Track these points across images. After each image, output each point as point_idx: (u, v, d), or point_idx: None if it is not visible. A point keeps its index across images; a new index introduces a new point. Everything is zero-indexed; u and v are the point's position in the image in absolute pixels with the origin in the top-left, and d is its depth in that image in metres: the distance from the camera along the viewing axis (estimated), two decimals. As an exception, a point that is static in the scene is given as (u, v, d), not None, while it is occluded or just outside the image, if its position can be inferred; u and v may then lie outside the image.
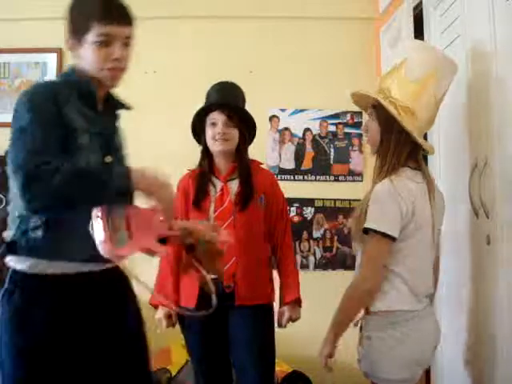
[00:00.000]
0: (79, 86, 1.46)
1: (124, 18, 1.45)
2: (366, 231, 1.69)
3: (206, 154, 2.20)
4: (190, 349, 2.23)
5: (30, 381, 1.35)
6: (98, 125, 1.47)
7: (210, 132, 2.15)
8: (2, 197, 3.24)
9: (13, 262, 1.40)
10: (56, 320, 1.37)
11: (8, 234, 1.42)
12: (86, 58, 1.44)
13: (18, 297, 1.37)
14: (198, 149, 2.23)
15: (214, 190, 2.16)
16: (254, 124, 2.21)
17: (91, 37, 1.41)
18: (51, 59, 3.42)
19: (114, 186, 1.29)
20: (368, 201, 1.71)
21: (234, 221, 2.10)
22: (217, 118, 2.13)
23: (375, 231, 1.66)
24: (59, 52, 3.39)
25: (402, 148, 1.73)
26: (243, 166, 2.18)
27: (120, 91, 1.58)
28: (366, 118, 1.88)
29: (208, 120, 2.16)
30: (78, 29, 1.43)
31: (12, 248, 1.39)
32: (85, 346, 1.40)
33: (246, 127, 2.19)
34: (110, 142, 1.53)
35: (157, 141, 3.13)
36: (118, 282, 1.52)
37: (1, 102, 3.44)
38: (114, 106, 1.58)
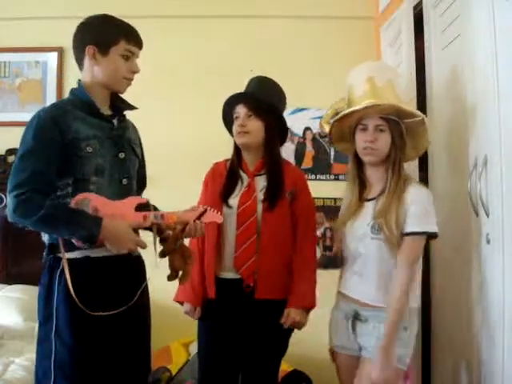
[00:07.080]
0: (80, 100, 1.73)
1: (140, 42, 1.78)
2: (409, 233, 1.81)
3: (236, 148, 2.15)
4: (200, 334, 2.15)
5: (89, 338, 1.65)
6: (106, 129, 1.74)
7: (234, 125, 2.11)
8: (3, 196, 3.24)
9: (62, 254, 1.67)
10: (96, 287, 1.69)
11: (46, 238, 1.73)
12: (109, 65, 1.72)
13: (74, 274, 1.65)
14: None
15: (240, 185, 2.10)
16: (281, 116, 2.12)
17: (118, 50, 1.72)
18: (52, 58, 3.42)
19: (80, 234, 1.62)
20: (403, 206, 1.82)
21: (262, 219, 2.04)
22: (239, 110, 2.10)
23: (424, 233, 1.82)
24: (60, 51, 3.40)
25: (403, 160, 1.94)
26: (272, 161, 2.09)
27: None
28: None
29: (234, 114, 2.12)
30: (105, 41, 1.71)
31: (54, 248, 1.69)
32: (110, 304, 1.69)
33: (274, 121, 2.09)
34: (121, 140, 1.79)
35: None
36: (136, 265, 1.84)
37: (1, 102, 3.44)
38: (120, 108, 1.83)
